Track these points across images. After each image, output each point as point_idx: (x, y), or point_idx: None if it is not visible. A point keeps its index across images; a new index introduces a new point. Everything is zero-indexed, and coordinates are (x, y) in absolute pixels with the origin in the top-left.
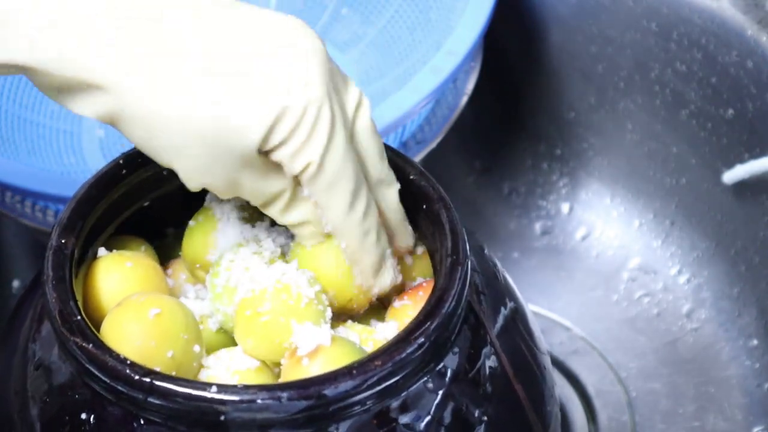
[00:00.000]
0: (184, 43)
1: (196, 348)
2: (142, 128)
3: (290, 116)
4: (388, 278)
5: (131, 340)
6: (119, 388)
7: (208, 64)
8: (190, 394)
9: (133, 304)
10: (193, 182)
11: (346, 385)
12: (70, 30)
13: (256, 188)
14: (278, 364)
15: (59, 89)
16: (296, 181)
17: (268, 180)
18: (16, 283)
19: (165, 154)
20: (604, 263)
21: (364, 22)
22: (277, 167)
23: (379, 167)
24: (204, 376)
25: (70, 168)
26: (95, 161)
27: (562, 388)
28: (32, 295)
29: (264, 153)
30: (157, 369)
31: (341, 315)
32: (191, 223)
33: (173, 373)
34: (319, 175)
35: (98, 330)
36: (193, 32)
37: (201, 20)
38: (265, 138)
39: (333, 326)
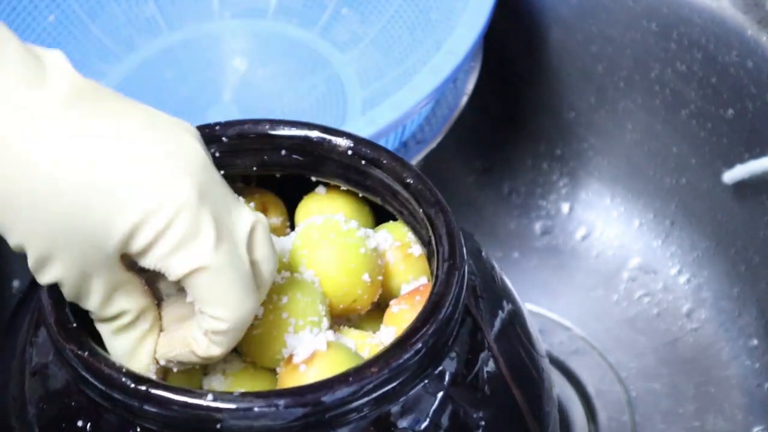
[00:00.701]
0: (49, 123)
1: None
2: None
3: (157, 219)
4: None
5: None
6: (115, 395)
7: (76, 150)
8: (186, 402)
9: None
10: (41, 271)
11: (342, 392)
12: None
13: (103, 299)
14: (272, 371)
15: None
16: (140, 311)
17: (119, 295)
18: (16, 283)
19: (18, 233)
20: (604, 263)
21: (364, 22)
22: (132, 287)
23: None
24: (204, 381)
25: None
26: None
27: (562, 388)
28: (30, 299)
29: (132, 265)
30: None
31: (341, 317)
32: None
33: (182, 378)
34: (204, 275)
35: (94, 338)
36: (62, 113)
37: (76, 102)
38: (128, 238)
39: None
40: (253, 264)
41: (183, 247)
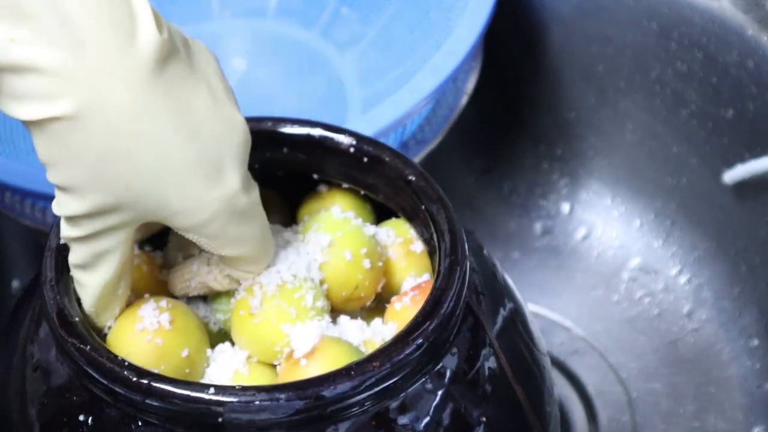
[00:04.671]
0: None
1: (207, 349)
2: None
3: (206, 227)
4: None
5: (146, 338)
6: (117, 389)
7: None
8: (188, 396)
9: (147, 302)
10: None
11: (344, 386)
12: None
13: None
14: (272, 366)
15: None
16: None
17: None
18: (16, 283)
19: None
20: (604, 263)
21: (364, 21)
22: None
23: None
24: (206, 376)
25: None
26: None
27: (562, 388)
28: (31, 296)
29: None
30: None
31: (344, 310)
32: None
33: (187, 371)
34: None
35: (97, 332)
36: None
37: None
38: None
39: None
40: None
41: (225, 245)
